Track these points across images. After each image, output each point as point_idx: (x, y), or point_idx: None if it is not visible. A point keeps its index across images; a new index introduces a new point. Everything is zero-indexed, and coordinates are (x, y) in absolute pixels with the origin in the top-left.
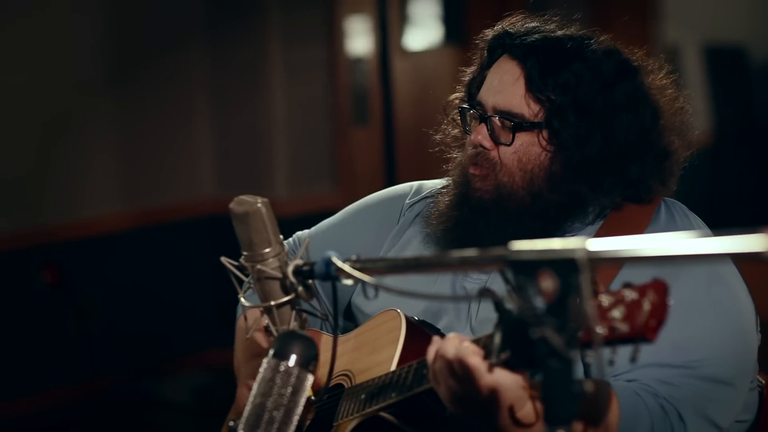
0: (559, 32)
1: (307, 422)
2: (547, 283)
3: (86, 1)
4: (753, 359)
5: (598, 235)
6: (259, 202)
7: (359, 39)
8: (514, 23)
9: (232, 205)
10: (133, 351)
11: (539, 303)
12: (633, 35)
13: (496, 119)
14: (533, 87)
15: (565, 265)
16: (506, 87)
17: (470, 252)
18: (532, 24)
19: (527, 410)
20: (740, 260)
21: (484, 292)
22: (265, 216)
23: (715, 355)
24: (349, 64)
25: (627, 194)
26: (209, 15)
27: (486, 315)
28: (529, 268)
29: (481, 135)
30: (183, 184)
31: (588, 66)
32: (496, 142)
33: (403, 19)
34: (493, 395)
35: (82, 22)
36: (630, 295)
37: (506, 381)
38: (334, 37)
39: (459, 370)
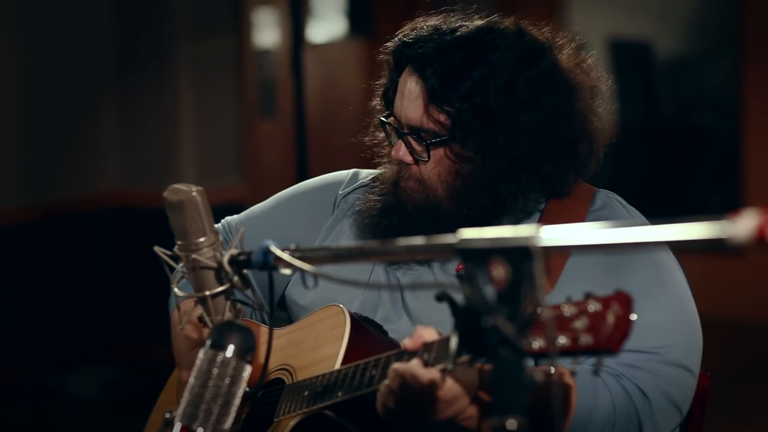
0: (460, 31)
1: (243, 415)
2: (499, 271)
3: None
4: (701, 347)
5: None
6: (194, 191)
7: (267, 31)
8: (414, 27)
9: (166, 194)
10: (39, 345)
11: (490, 292)
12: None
13: (410, 138)
14: (434, 101)
15: (516, 253)
16: (411, 103)
17: (418, 240)
18: (432, 24)
19: (468, 414)
20: (702, 249)
21: (442, 297)
22: (200, 205)
23: (677, 341)
24: (257, 56)
25: (545, 190)
26: (117, 7)
27: (420, 304)
28: (479, 256)
29: (401, 152)
30: (88, 177)
31: (489, 69)
32: (416, 159)
33: (307, 12)
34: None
35: None
36: (593, 306)
37: (447, 395)
38: (242, 29)
39: (401, 392)
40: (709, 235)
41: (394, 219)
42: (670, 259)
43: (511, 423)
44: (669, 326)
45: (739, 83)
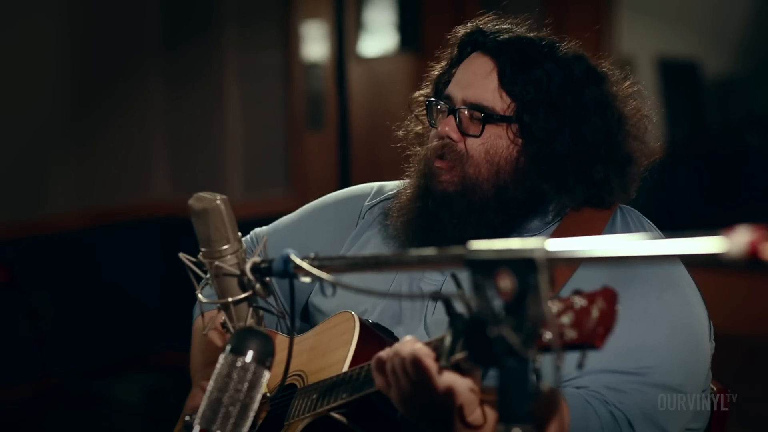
0: (531, 34)
1: (260, 421)
2: (506, 282)
3: None
4: (704, 366)
5: (553, 235)
6: (218, 199)
7: (315, 44)
8: (486, 22)
9: (191, 202)
10: (84, 351)
11: (497, 302)
12: (588, 46)
13: (465, 111)
14: (505, 81)
15: (523, 265)
16: (478, 80)
17: (429, 251)
18: (505, 25)
19: (477, 414)
20: (699, 263)
21: (437, 295)
22: (224, 213)
23: (665, 362)
24: (304, 69)
25: (589, 195)
26: (166, 19)
27: (441, 317)
28: (487, 267)
29: (449, 127)
30: (137, 185)
31: (559, 66)
32: (464, 134)
33: (358, 26)
34: (445, 397)
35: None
36: (579, 302)
37: (457, 384)
38: (290, 42)
39: (412, 371)
40: (701, 250)
41: (429, 202)
42: (681, 278)
43: None
44: (660, 346)
45: None
